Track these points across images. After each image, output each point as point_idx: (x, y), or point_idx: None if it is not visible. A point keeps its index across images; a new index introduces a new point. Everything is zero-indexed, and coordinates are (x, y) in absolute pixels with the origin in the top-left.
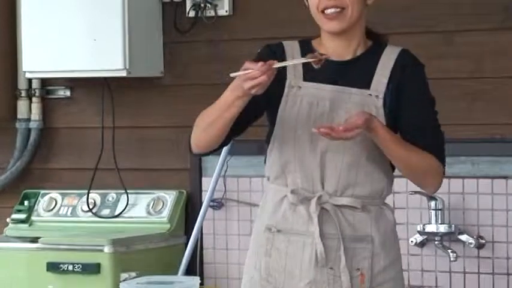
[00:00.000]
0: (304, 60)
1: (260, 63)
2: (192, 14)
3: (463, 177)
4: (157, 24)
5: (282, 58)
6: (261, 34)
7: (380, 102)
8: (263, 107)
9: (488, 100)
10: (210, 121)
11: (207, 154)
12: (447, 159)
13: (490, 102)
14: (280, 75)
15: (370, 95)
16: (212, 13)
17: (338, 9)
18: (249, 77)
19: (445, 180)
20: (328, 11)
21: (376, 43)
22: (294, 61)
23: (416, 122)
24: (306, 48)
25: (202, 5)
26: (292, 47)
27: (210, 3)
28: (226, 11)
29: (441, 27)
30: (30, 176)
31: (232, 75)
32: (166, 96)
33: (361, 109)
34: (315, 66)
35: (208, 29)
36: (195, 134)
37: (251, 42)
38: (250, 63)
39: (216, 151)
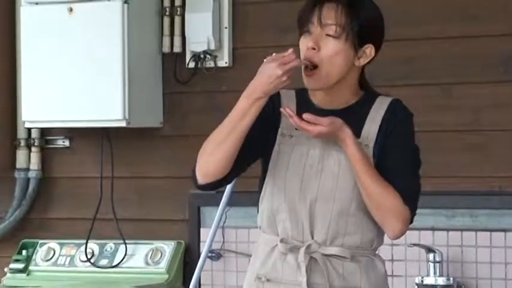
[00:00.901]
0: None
1: (290, 50)
2: (191, 65)
3: (462, 230)
4: (157, 75)
5: (278, 106)
6: None
7: (370, 151)
8: (261, 144)
9: (487, 153)
10: (222, 138)
11: (215, 186)
12: (445, 212)
13: (489, 155)
14: (275, 123)
15: (360, 143)
16: (212, 64)
17: (310, 65)
18: (283, 61)
19: (443, 233)
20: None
21: (368, 93)
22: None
23: (393, 166)
24: (302, 97)
25: (202, 56)
26: (288, 95)
27: (210, 55)
28: (226, 63)
29: (440, 80)
30: (28, 225)
31: (274, 54)
32: (165, 147)
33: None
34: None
35: (207, 80)
36: (202, 161)
37: None
38: (276, 54)
39: (223, 184)
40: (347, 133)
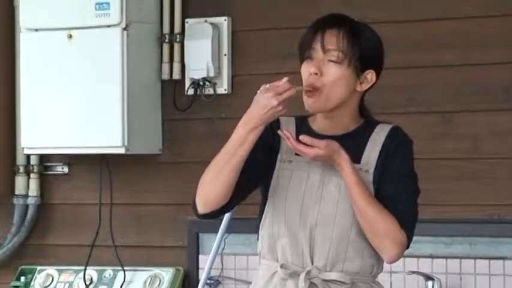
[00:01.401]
0: (300, 88)
1: (285, 78)
2: (191, 92)
3: (461, 258)
4: (156, 102)
5: (277, 135)
6: None
7: (370, 177)
8: (261, 171)
9: (487, 181)
10: (221, 166)
11: (216, 214)
12: (445, 240)
13: (489, 183)
14: (274, 150)
15: (361, 169)
16: (211, 91)
17: (311, 89)
18: (278, 91)
19: (442, 260)
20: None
21: (368, 120)
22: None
23: (391, 191)
24: (302, 124)
25: (201, 83)
26: (287, 121)
27: (209, 82)
28: (225, 90)
29: (440, 108)
30: (27, 252)
31: (267, 85)
32: (164, 174)
33: None
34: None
35: (207, 107)
36: (202, 190)
37: None
38: (271, 83)
39: (223, 213)
40: (343, 156)
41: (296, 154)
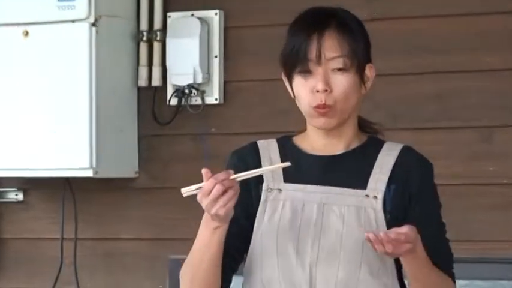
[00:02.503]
0: (264, 169)
1: (204, 172)
2: (174, 101)
3: None
4: (132, 114)
5: (256, 165)
6: (257, 127)
7: (379, 204)
8: (249, 227)
9: None
10: (195, 268)
11: None
12: (485, 284)
13: None
14: (257, 178)
15: (367, 196)
16: (198, 101)
17: (326, 109)
18: (204, 193)
19: None
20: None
21: (372, 138)
22: (254, 171)
23: (427, 235)
24: (286, 145)
25: (186, 91)
26: (268, 148)
27: (196, 90)
28: (216, 99)
29: (478, 122)
30: None
31: (183, 190)
32: (140, 202)
33: (356, 213)
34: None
35: (193, 120)
36: None
37: (245, 136)
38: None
39: None
40: (419, 243)
41: (285, 181)
